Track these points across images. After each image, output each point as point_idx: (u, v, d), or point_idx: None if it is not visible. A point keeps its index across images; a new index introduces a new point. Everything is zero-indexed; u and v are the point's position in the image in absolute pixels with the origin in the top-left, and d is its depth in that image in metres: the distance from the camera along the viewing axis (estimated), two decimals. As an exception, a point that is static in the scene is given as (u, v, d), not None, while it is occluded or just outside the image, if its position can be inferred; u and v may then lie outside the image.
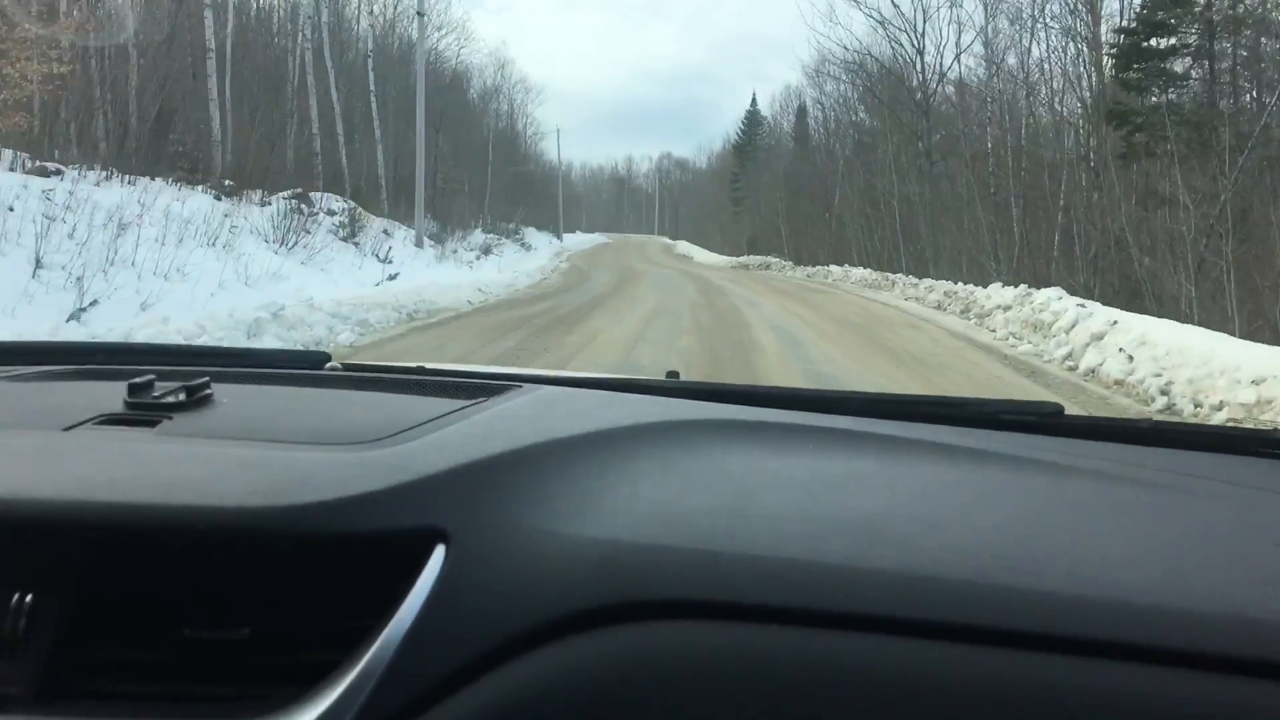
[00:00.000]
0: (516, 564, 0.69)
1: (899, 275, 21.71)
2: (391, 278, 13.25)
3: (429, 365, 1.43)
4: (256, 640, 0.70)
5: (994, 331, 12.00)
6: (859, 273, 24.88)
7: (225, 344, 7.48)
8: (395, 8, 39.11)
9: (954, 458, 0.95)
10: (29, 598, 0.68)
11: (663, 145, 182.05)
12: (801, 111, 48.47)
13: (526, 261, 28.34)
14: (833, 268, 26.89)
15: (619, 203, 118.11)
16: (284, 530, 0.69)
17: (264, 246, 12.54)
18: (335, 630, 0.68)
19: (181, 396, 0.99)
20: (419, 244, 19.72)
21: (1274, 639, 0.61)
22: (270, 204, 14.32)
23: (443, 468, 0.78)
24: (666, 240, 73.93)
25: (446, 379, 1.27)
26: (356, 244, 15.57)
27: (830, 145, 38.42)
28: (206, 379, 1.03)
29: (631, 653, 0.63)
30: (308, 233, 13.84)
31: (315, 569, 0.70)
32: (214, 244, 11.37)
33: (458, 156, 49.34)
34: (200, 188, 14.20)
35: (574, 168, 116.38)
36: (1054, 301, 11.50)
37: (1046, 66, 22.84)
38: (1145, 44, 15.94)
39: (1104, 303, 12.05)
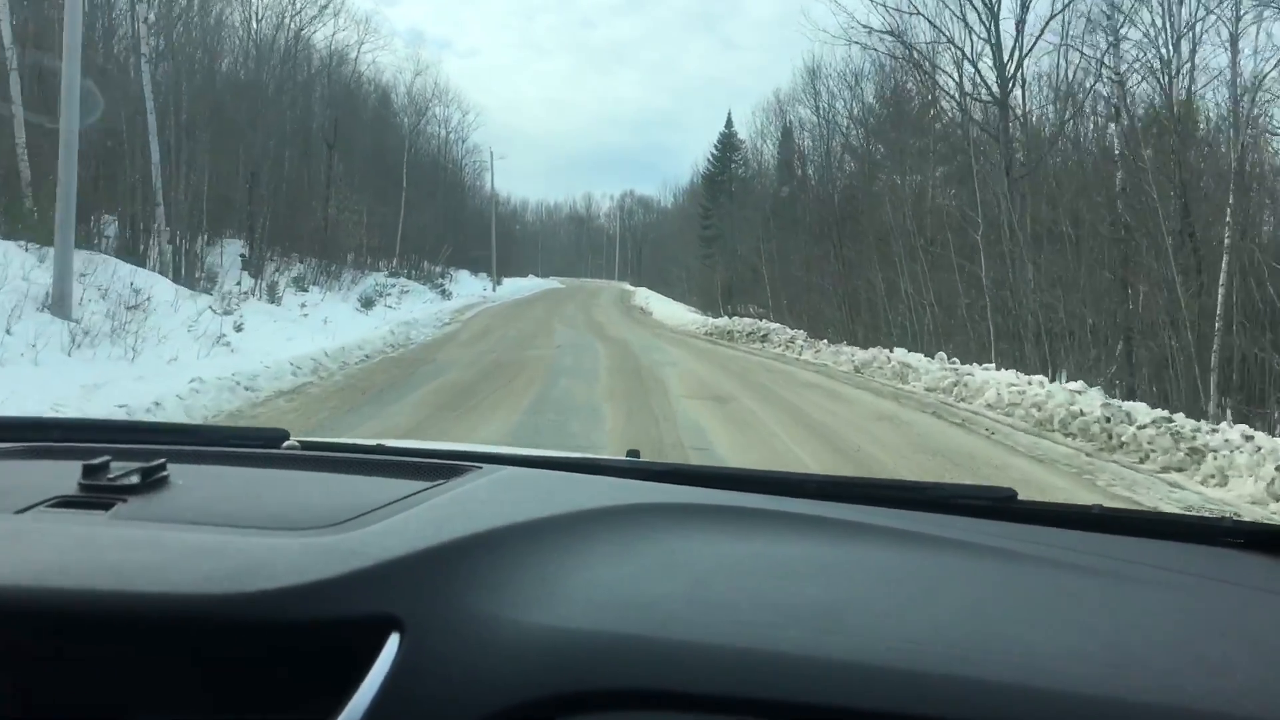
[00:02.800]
0: (472, 652, 0.69)
1: (1089, 388, 10.06)
2: None
3: (388, 443, 1.42)
4: None
5: None
6: (999, 379, 11.19)
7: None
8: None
9: (908, 544, 0.95)
10: None
11: (626, 185, 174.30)
12: (787, 133, 39.53)
13: (386, 322, 18.49)
14: (910, 357, 13.62)
15: (578, 244, 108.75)
16: (237, 618, 0.69)
17: None
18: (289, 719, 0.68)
19: (136, 479, 0.97)
20: (56, 307, 9.28)
21: None
22: None
23: (399, 554, 0.78)
24: (626, 286, 64.46)
25: (406, 459, 1.25)
26: None
27: (832, 170, 29.07)
28: (163, 460, 1.02)
29: None
30: None
31: (269, 657, 0.70)
32: None
33: (364, 182, 39.67)
34: None
35: (529, 206, 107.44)
36: None
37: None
38: None
39: None
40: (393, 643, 0.69)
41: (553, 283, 64.91)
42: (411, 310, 26.68)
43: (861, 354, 15.08)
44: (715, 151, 46.72)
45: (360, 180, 38.91)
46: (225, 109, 27.64)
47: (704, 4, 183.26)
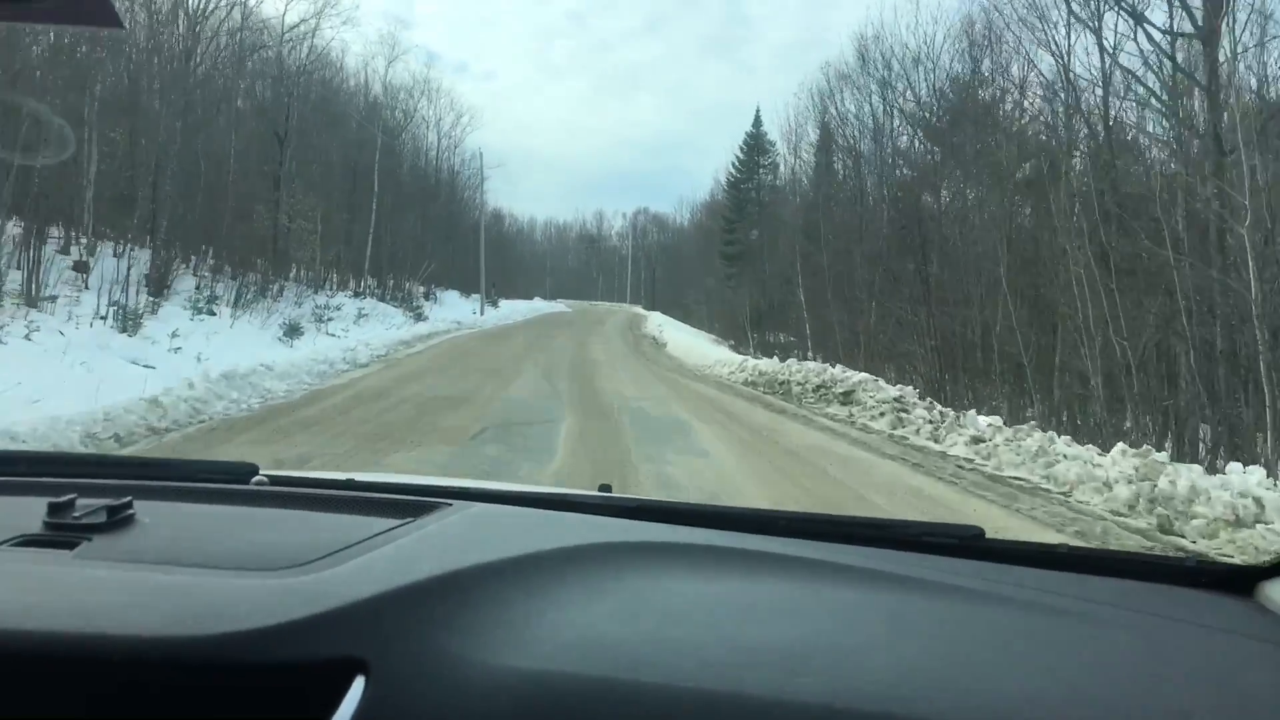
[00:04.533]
0: (438, 695, 0.68)
1: None
2: None
3: (359, 478, 1.41)
4: None
5: None
6: None
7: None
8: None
9: (877, 583, 0.95)
10: None
11: (639, 202, 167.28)
12: (826, 134, 33.50)
13: (289, 358, 11.51)
14: None
15: (589, 266, 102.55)
16: (202, 660, 0.69)
17: None
18: None
19: (102, 517, 0.97)
20: None
21: None
22: None
23: (365, 595, 0.77)
24: (638, 311, 58.23)
25: (377, 494, 1.24)
26: None
27: (894, 170, 22.91)
28: (129, 498, 1.01)
29: None
30: None
31: (234, 699, 0.69)
32: None
33: (327, 185, 33.67)
34: None
35: (538, 225, 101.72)
36: None
37: None
38: None
39: None
40: (358, 685, 0.68)
41: (558, 306, 58.93)
42: (360, 337, 20.61)
43: (1123, 460, 6.69)
44: (741, 154, 40.44)
45: (322, 183, 32.89)
46: (124, 79, 21.69)
47: (721, 29, 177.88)
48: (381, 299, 34.65)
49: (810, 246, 31.13)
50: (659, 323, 36.96)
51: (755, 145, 39.51)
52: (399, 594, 0.78)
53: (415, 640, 0.72)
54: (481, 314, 37.74)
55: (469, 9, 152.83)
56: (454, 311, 36.34)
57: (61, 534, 0.93)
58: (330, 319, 22.99)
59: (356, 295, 31.71)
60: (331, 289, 31.77)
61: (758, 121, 39.75)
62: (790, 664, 0.73)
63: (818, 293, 29.48)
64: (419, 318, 32.01)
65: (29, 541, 0.91)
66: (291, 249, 30.03)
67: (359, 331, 23.39)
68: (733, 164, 40.46)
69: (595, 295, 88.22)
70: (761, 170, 39.06)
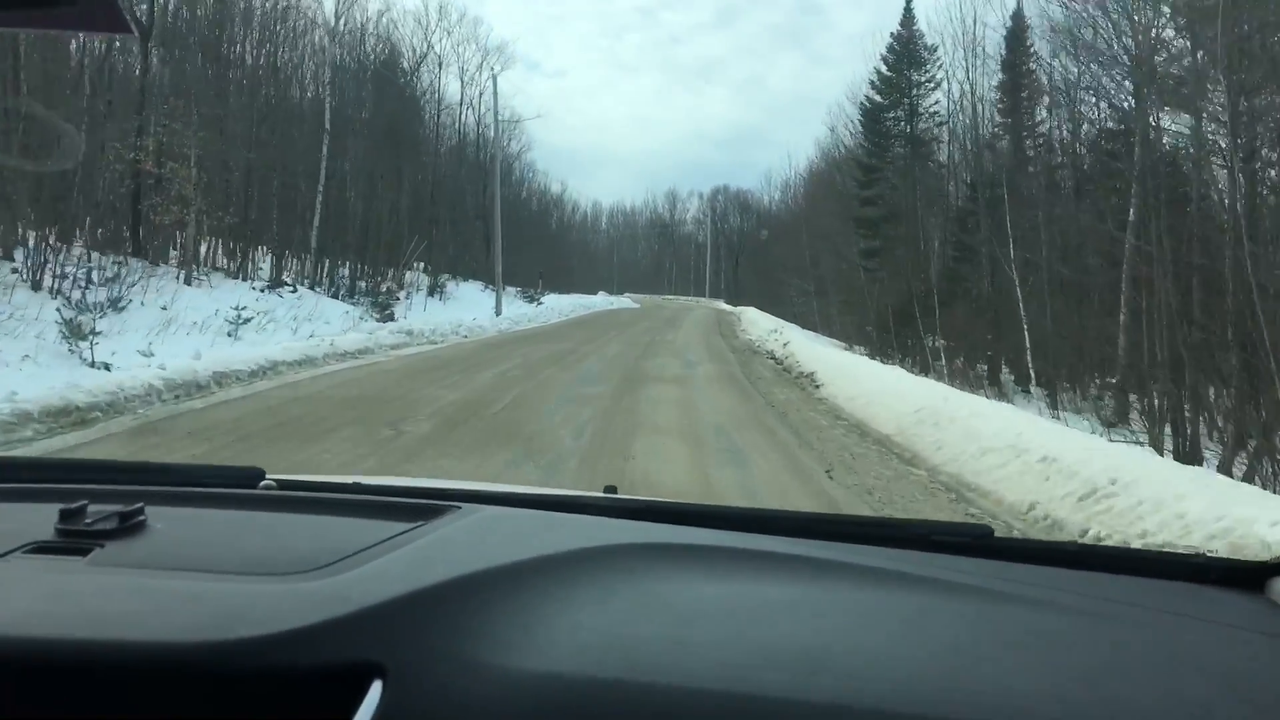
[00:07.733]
0: (455, 698, 0.69)
1: None
2: None
3: (365, 481, 1.41)
4: None
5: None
6: None
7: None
8: None
9: (888, 583, 0.95)
10: None
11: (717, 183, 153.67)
12: (1019, 22, 21.22)
13: None
14: None
15: (660, 255, 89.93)
16: (218, 666, 0.69)
17: None
18: None
19: (114, 523, 0.97)
20: None
21: None
22: None
23: (380, 599, 0.77)
24: (723, 306, 45.48)
25: (383, 498, 1.23)
26: None
27: None
28: (140, 504, 1.01)
29: None
30: None
31: (250, 705, 0.69)
32: None
33: (257, 129, 22.03)
34: None
35: (604, 211, 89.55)
36: None
37: None
38: None
39: None
40: (375, 689, 0.68)
41: (622, 301, 46.84)
42: (181, 367, 8.73)
43: None
44: (883, 68, 27.04)
45: (235, 114, 21.16)
46: None
47: (792, 19, 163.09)
48: (346, 294, 22.80)
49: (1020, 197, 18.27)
50: (769, 328, 23.60)
51: (905, 53, 26.29)
52: (414, 598, 0.78)
53: (431, 644, 0.72)
54: (498, 313, 25.56)
55: (539, 7, 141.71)
56: (456, 311, 24.35)
57: (74, 541, 0.92)
58: (97, 332, 10.78)
59: (272, 288, 19.67)
60: (240, 276, 19.95)
61: (908, 19, 26.43)
62: (806, 664, 0.73)
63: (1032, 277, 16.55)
64: (386, 318, 20.08)
65: (42, 549, 0.91)
66: (166, 210, 18.20)
67: (219, 351, 11.39)
68: (871, 81, 27.16)
69: (668, 289, 76.06)
70: (914, 92, 25.87)
